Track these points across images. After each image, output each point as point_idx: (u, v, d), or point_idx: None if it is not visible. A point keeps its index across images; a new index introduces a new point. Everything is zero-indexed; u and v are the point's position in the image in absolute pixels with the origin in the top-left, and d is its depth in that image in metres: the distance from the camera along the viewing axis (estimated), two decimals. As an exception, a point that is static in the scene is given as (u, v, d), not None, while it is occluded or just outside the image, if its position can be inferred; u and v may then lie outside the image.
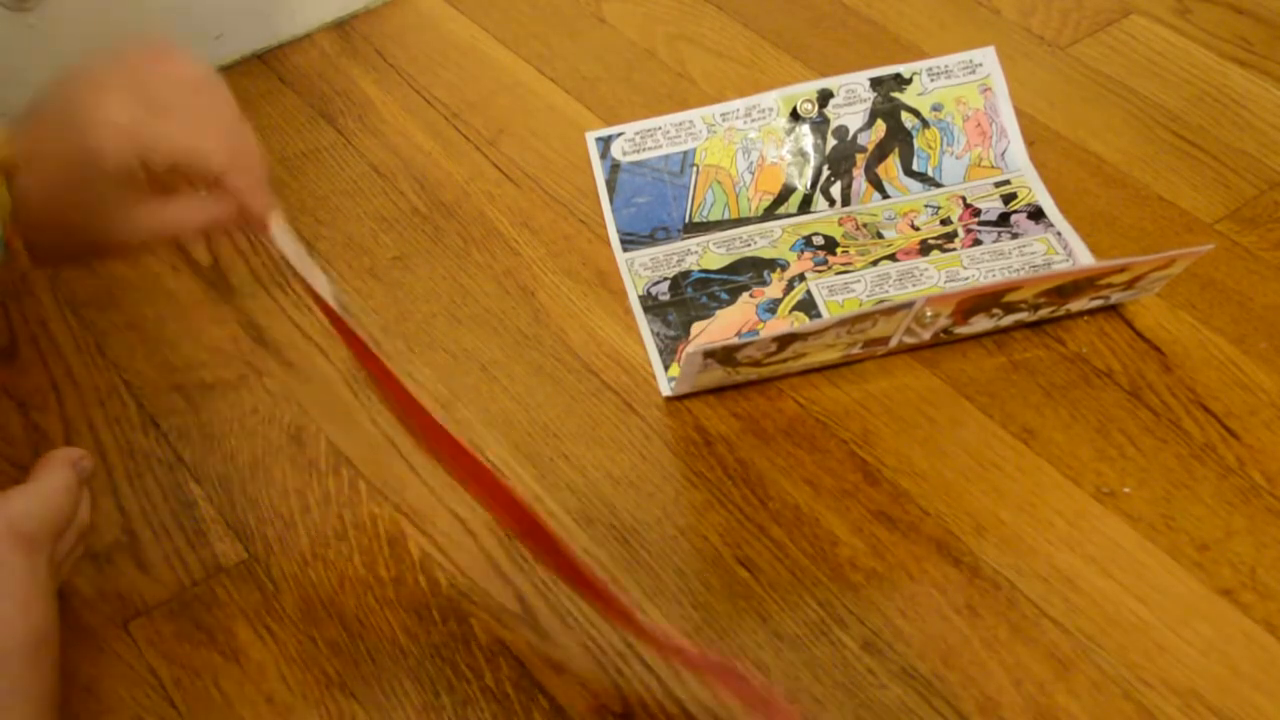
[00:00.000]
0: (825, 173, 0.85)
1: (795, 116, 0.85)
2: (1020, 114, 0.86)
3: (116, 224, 0.62)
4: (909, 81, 0.86)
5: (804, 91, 0.86)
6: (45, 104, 0.63)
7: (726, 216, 0.84)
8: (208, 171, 0.62)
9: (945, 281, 0.78)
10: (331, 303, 0.65)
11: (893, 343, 0.74)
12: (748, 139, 0.85)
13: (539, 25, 1.01)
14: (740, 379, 0.74)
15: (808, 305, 0.78)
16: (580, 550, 0.68)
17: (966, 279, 0.78)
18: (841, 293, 0.78)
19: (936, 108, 0.85)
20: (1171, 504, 0.68)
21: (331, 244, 0.86)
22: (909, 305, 0.70)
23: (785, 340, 0.70)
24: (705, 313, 0.79)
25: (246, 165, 0.63)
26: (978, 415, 0.73)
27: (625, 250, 0.83)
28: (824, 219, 0.84)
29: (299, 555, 0.69)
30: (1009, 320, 0.75)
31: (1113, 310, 0.77)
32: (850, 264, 0.80)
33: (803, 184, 0.85)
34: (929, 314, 0.71)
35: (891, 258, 0.80)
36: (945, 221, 0.82)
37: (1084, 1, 0.99)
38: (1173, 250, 0.72)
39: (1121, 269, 0.72)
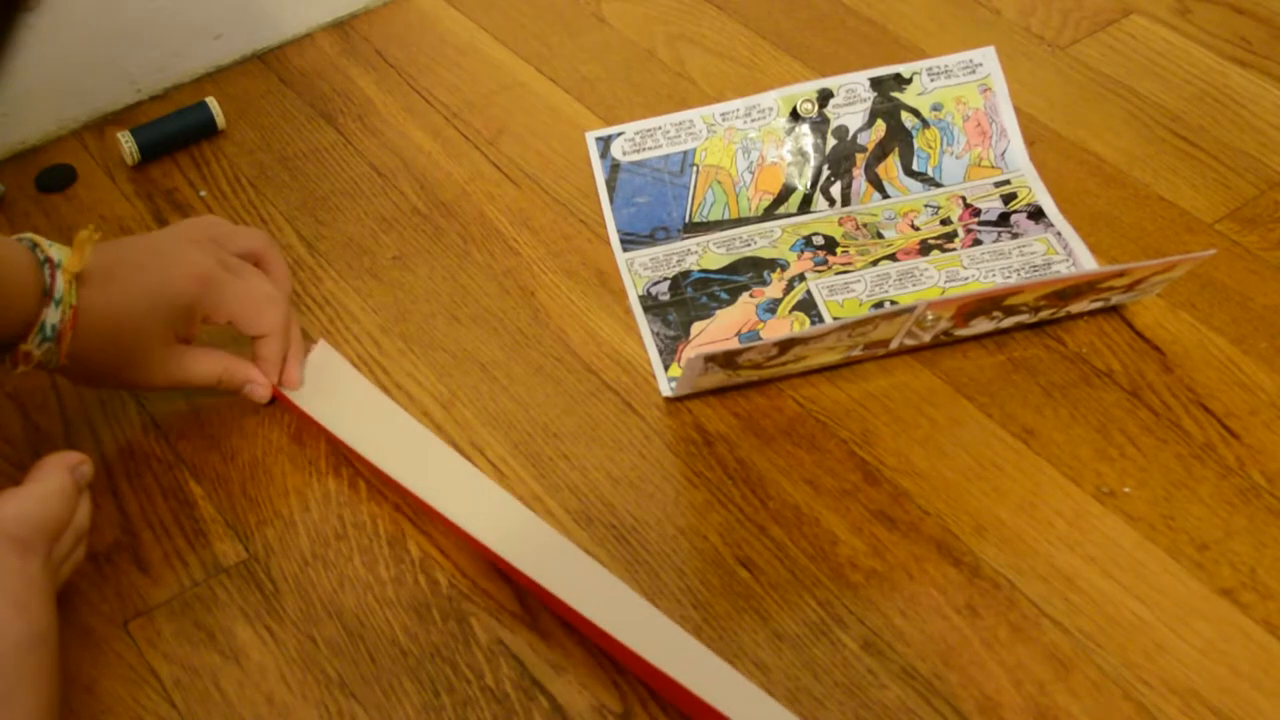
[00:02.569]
0: (825, 173, 0.85)
1: (795, 116, 0.85)
2: (1020, 114, 0.86)
3: (152, 360, 0.70)
4: (909, 81, 0.86)
5: (804, 91, 0.86)
6: (129, 241, 0.72)
7: (726, 216, 0.84)
8: (258, 330, 0.72)
9: (945, 281, 0.78)
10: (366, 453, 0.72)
11: (893, 345, 0.74)
12: (748, 139, 0.85)
13: (539, 25, 1.01)
14: (740, 380, 0.74)
15: (808, 305, 0.78)
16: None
17: (966, 279, 0.78)
18: (841, 293, 0.78)
19: (936, 108, 0.85)
20: (1171, 504, 0.68)
21: (331, 244, 0.86)
22: (910, 309, 0.70)
23: (786, 344, 0.70)
24: (705, 313, 0.79)
25: (283, 337, 0.73)
26: (978, 415, 0.73)
27: (625, 250, 0.83)
28: (824, 219, 0.84)
29: (299, 555, 0.69)
30: (1009, 322, 0.75)
31: (1113, 310, 0.77)
32: (850, 264, 0.80)
33: (803, 184, 0.85)
34: (930, 318, 0.71)
35: (891, 258, 0.80)
36: (945, 221, 0.82)
37: (1084, 1, 0.99)
38: (1174, 256, 0.72)
39: (1122, 273, 0.72)
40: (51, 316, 0.64)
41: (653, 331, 0.78)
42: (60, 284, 0.65)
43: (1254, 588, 0.65)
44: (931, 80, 0.86)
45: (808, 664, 0.63)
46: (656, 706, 0.62)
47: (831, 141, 0.85)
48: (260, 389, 0.73)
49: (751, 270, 0.80)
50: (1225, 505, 0.68)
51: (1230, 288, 0.78)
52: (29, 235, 0.66)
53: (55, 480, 0.63)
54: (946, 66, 0.86)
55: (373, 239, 0.86)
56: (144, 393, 0.76)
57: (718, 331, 0.78)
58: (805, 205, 0.85)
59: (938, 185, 0.85)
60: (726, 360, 0.70)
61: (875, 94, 0.85)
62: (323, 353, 0.78)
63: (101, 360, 0.68)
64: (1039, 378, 0.74)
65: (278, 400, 0.75)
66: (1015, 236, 0.81)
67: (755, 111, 0.85)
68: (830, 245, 0.81)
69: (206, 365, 0.72)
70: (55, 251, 0.66)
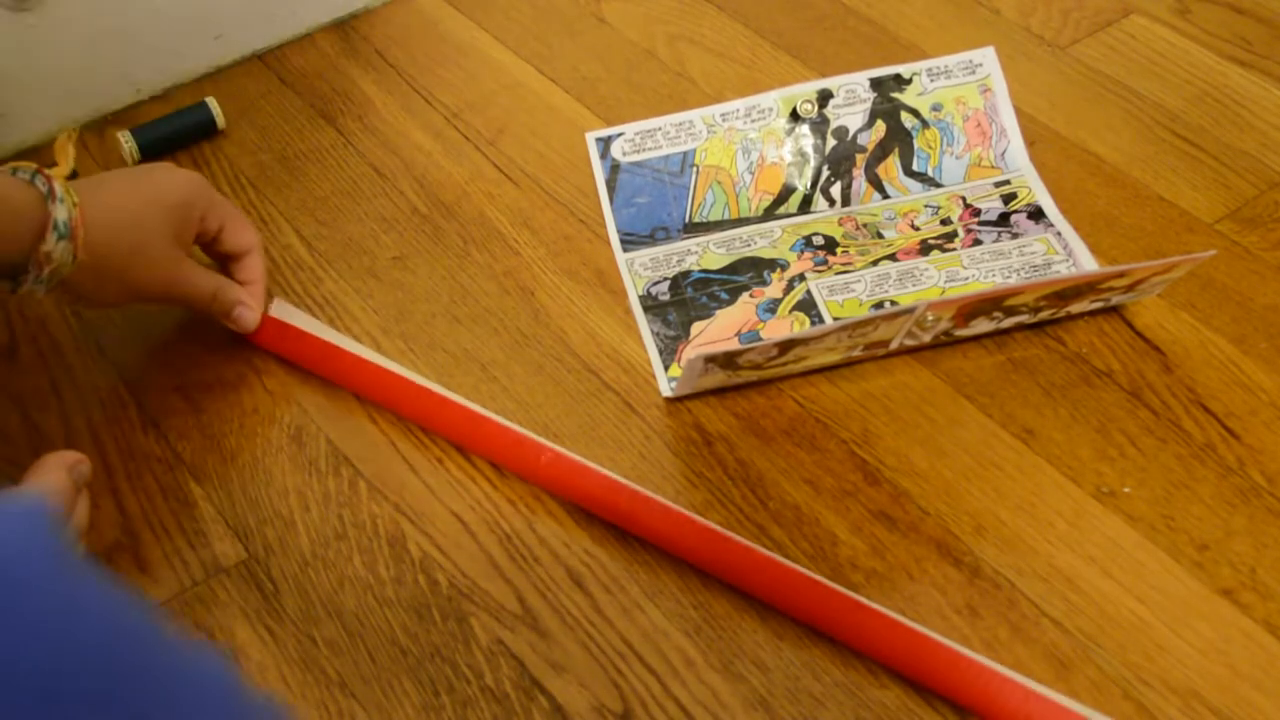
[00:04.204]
0: (825, 173, 0.85)
1: (795, 117, 0.85)
2: (1020, 114, 0.86)
3: (157, 257, 0.72)
4: (909, 81, 0.86)
5: (804, 91, 0.86)
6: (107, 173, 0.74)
7: (726, 216, 0.84)
8: (243, 245, 0.77)
9: (945, 281, 0.78)
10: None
11: (893, 345, 0.74)
12: (748, 139, 0.85)
13: (539, 25, 1.01)
14: (740, 380, 0.74)
15: (808, 305, 0.78)
16: (581, 550, 0.68)
17: (966, 279, 0.78)
18: (841, 293, 0.78)
19: (936, 108, 0.85)
20: (1171, 504, 0.68)
21: (331, 244, 0.86)
22: (910, 310, 0.70)
23: (786, 345, 0.70)
24: (705, 313, 0.79)
25: (263, 258, 0.78)
26: (978, 415, 0.73)
27: (625, 250, 0.83)
28: (824, 219, 0.84)
29: (299, 555, 0.69)
30: (1009, 322, 0.75)
31: (1113, 310, 0.77)
32: (850, 264, 0.80)
33: (803, 184, 0.85)
34: (930, 318, 0.71)
35: (891, 258, 0.80)
36: (945, 221, 0.82)
37: (1084, 1, 0.99)
38: (1174, 256, 0.72)
39: (1122, 274, 0.72)
40: (60, 213, 0.66)
41: (653, 331, 0.78)
42: (58, 187, 0.67)
43: (1254, 588, 0.65)
44: (931, 80, 0.86)
45: (808, 664, 0.63)
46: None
47: (831, 142, 0.85)
48: (249, 312, 0.76)
49: (751, 270, 0.80)
50: (1225, 505, 0.68)
51: (1230, 288, 0.78)
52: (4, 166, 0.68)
53: (53, 479, 0.63)
54: (946, 67, 0.86)
55: (373, 239, 0.86)
56: (151, 303, 0.77)
57: (718, 331, 0.78)
58: (805, 205, 0.85)
59: (938, 185, 0.85)
60: (726, 361, 0.70)
61: (875, 94, 0.85)
62: (281, 309, 0.80)
63: (112, 258, 0.69)
64: (1039, 378, 0.74)
65: (263, 330, 0.77)
66: (1015, 236, 0.81)
67: (755, 112, 0.85)
68: (830, 245, 0.81)
69: (204, 278, 0.75)
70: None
